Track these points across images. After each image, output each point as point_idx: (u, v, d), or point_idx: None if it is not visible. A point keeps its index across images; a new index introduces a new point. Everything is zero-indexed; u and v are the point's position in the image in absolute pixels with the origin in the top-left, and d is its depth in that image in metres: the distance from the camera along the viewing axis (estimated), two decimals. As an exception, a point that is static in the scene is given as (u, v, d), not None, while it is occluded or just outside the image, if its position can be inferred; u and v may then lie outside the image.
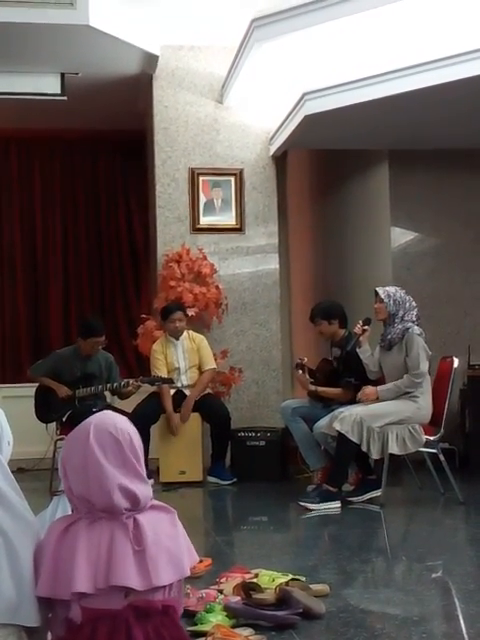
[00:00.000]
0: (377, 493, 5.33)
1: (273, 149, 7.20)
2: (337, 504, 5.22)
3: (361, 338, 5.58)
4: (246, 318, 7.20)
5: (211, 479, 6.35)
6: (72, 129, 8.47)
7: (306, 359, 5.93)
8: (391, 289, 5.52)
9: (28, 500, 2.12)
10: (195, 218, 7.16)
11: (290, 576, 3.40)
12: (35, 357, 7.49)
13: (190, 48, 7.19)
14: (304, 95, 6.02)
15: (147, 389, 6.41)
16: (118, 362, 6.60)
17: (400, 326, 5.38)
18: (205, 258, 6.98)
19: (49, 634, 2.12)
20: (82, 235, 8.87)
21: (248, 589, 3.20)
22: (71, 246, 8.83)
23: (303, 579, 3.42)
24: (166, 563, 2.04)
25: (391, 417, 5.27)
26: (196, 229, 7.16)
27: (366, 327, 5.59)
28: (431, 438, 5.33)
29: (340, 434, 5.25)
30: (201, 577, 3.54)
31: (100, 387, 6.15)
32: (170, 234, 7.15)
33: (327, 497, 5.23)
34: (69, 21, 5.92)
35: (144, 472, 2.09)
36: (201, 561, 3.56)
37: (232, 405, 6.82)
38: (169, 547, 2.06)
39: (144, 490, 2.06)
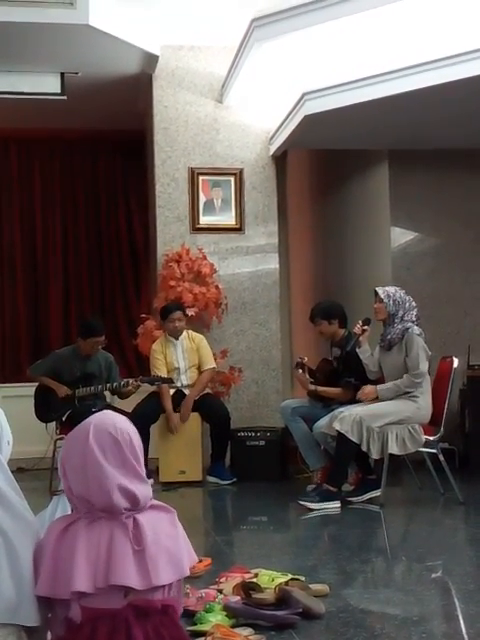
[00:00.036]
0: (377, 493, 5.33)
1: (273, 149, 7.20)
2: (337, 504, 5.22)
3: (361, 338, 5.58)
4: (246, 318, 7.20)
5: (211, 479, 6.35)
6: (72, 129, 8.47)
7: (306, 358, 5.93)
8: (391, 289, 5.52)
9: (28, 500, 2.12)
10: (195, 218, 7.16)
11: (290, 576, 3.40)
12: (35, 357, 7.49)
13: (190, 48, 7.19)
14: (304, 95, 6.02)
15: (147, 389, 6.41)
16: (118, 362, 6.60)
17: (400, 326, 5.38)
18: (205, 258, 6.98)
19: (49, 634, 2.12)
20: (82, 235, 8.87)
21: (248, 589, 3.20)
22: (71, 246, 8.82)
23: (303, 579, 3.41)
24: (166, 563, 2.04)
25: (391, 417, 5.27)
26: (196, 229, 7.16)
27: (366, 327, 5.59)
28: (431, 438, 5.33)
29: (340, 434, 5.25)
30: (201, 577, 3.54)
31: (100, 387, 6.15)
32: (170, 234, 7.15)
33: (327, 497, 5.23)
34: (69, 21, 5.92)
35: (144, 472, 2.09)
36: (201, 561, 3.56)
37: (232, 405, 6.82)
38: (169, 547, 2.06)
39: (143, 490, 2.06)
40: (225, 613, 2.99)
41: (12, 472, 2.11)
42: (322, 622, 3.01)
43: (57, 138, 8.72)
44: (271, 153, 7.25)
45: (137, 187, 8.63)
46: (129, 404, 6.15)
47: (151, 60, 6.96)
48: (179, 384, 6.45)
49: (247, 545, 4.68)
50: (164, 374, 6.34)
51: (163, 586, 2.04)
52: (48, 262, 8.75)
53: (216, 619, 2.91)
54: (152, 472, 5.69)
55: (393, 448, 5.23)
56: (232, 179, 7.20)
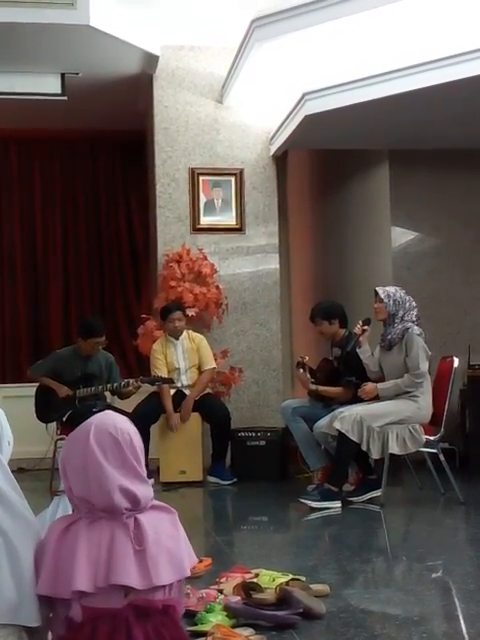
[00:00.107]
0: (377, 493, 5.32)
1: (273, 149, 7.20)
2: (338, 504, 5.22)
3: (361, 338, 5.58)
4: (246, 318, 7.20)
5: (211, 479, 6.35)
6: (72, 129, 8.47)
7: (307, 358, 5.92)
8: (391, 289, 5.52)
9: (28, 500, 2.12)
10: (195, 218, 7.16)
11: (290, 576, 3.40)
12: (35, 357, 7.49)
13: (190, 48, 7.20)
14: (304, 95, 6.02)
15: (147, 389, 6.42)
16: (118, 362, 6.60)
17: (400, 326, 5.38)
18: (205, 258, 6.98)
19: (49, 634, 2.12)
20: (82, 235, 8.87)
21: (248, 589, 3.20)
22: (71, 246, 8.83)
23: (303, 579, 3.41)
24: (166, 563, 2.04)
25: (391, 417, 5.27)
26: (196, 229, 7.16)
27: (366, 327, 5.59)
28: (431, 438, 5.33)
29: (340, 434, 5.25)
30: (201, 577, 3.54)
31: (100, 387, 6.15)
32: (170, 234, 7.15)
33: (328, 496, 5.23)
34: (69, 21, 5.92)
35: (144, 472, 2.09)
36: (201, 561, 3.56)
37: (232, 405, 6.82)
38: (169, 547, 2.06)
39: (144, 490, 2.06)
40: (225, 613, 2.99)
41: (13, 472, 2.11)
42: (323, 622, 3.01)
43: (57, 138, 8.73)
44: (271, 153, 7.25)
45: (137, 187, 8.64)
46: (129, 404, 6.15)
47: (151, 60, 6.96)
48: (179, 384, 6.45)
49: (247, 545, 4.68)
50: (164, 374, 6.34)
51: (164, 586, 2.04)
52: (48, 262, 8.76)
53: (216, 619, 2.91)
54: (152, 472, 5.68)
55: (393, 448, 5.23)
56: (232, 179, 7.20)
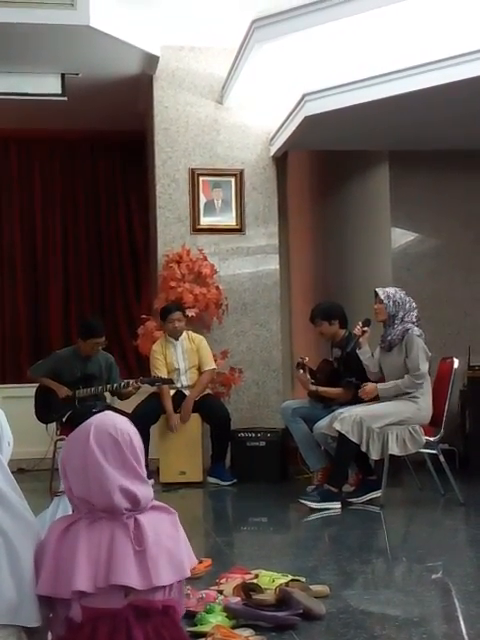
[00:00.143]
0: (377, 494, 5.32)
1: (273, 150, 7.20)
2: (337, 505, 5.22)
3: (361, 339, 5.58)
4: (246, 319, 7.20)
5: (211, 480, 6.35)
6: (72, 129, 8.47)
7: (307, 358, 5.92)
8: (391, 290, 5.52)
9: (28, 500, 2.12)
10: (195, 218, 7.16)
11: (290, 577, 3.40)
12: (35, 357, 7.49)
13: (190, 49, 7.20)
14: (304, 96, 6.03)
15: (147, 390, 6.41)
16: (118, 363, 6.60)
17: (400, 327, 5.38)
18: (205, 259, 6.98)
19: (49, 634, 2.12)
20: (82, 235, 8.87)
21: (248, 590, 3.20)
22: (71, 246, 8.83)
23: (303, 580, 3.41)
24: (166, 563, 2.04)
25: (391, 418, 5.26)
26: (196, 230, 7.16)
27: (366, 328, 5.59)
28: (431, 439, 5.33)
29: (340, 434, 5.25)
30: (201, 578, 3.54)
31: (100, 388, 6.15)
32: (170, 234, 7.15)
33: (328, 497, 5.23)
34: (69, 21, 5.92)
35: (144, 473, 2.09)
36: (201, 562, 3.56)
37: (232, 406, 6.82)
38: (170, 548, 2.06)
39: (144, 491, 2.06)
40: (225, 614, 2.99)
41: (12, 473, 2.11)
42: (322, 623, 3.01)
43: (57, 138, 8.73)
44: (271, 154, 7.26)
45: (137, 187, 8.64)
46: (129, 405, 6.15)
47: (152, 61, 6.96)
48: (179, 385, 6.45)
49: (247, 546, 4.68)
50: (164, 375, 6.34)
51: (164, 587, 2.04)
52: (48, 262, 8.75)
53: (216, 620, 2.91)
54: (152, 473, 5.68)
55: (393, 449, 5.23)
56: (232, 180, 7.20)
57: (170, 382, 6.30)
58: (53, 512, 2.52)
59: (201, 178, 7.17)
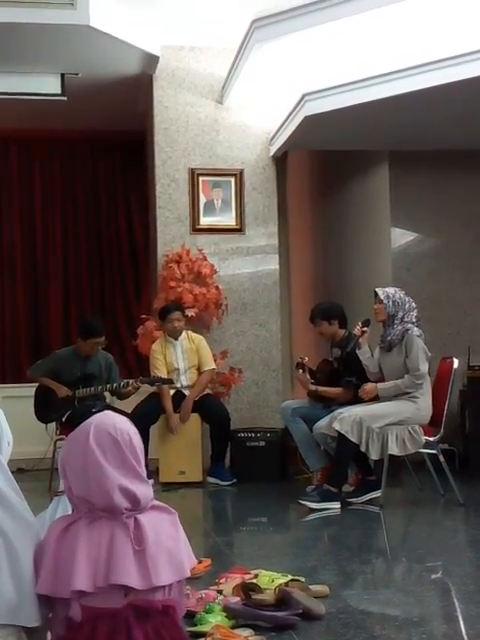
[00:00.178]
0: (377, 494, 5.32)
1: (273, 150, 7.20)
2: (337, 505, 5.22)
3: (360, 339, 5.58)
4: (246, 319, 7.20)
5: (211, 480, 6.35)
6: (72, 129, 8.47)
7: (307, 358, 5.92)
8: (390, 290, 5.52)
9: (28, 500, 2.12)
10: (195, 218, 7.16)
11: (290, 577, 3.40)
12: (35, 357, 7.49)
13: (190, 49, 7.20)
14: (304, 96, 6.02)
15: (147, 389, 6.41)
16: (118, 362, 6.61)
17: (400, 327, 5.38)
18: (205, 259, 6.98)
19: (49, 634, 2.12)
20: (82, 235, 8.87)
21: (248, 590, 3.20)
22: (71, 246, 8.83)
23: (303, 580, 3.41)
24: (166, 563, 2.04)
25: (391, 418, 5.26)
26: (196, 229, 7.16)
27: (365, 328, 5.59)
28: (431, 439, 5.33)
29: (340, 434, 5.25)
30: (200, 578, 3.54)
31: (100, 387, 6.15)
32: (170, 234, 7.15)
33: (327, 497, 5.23)
34: (69, 21, 5.92)
35: (144, 472, 2.09)
36: (200, 562, 3.56)
37: (232, 406, 6.82)
38: (169, 548, 2.06)
39: (144, 490, 2.06)
40: (225, 614, 2.99)
41: (12, 473, 2.11)
42: (322, 623, 3.01)
43: (57, 138, 8.73)
44: (271, 154, 7.25)
45: (137, 187, 8.63)
46: (129, 405, 6.15)
47: (151, 61, 6.96)
48: (179, 385, 6.45)
49: (247, 546, 4.68)
50: (164, 375, 6.34)
51: (163, 587, 2.04)
52: (48, 262, 8.75)
53: (216, 620, 2.91)
54: (152, 473, 5.68)
55: (393, 449, 5.23)
56: (232, 180, 7.20)
57: (170, 382, 6.30)
58: (53, 512, 2.52)
59: (201, 178, 7.17)
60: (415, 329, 5.36)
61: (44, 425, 6.22)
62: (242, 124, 7.24)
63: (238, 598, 3.15)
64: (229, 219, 7.21)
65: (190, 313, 6.64)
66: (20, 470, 6.60)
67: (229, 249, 7.22)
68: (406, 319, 5.39)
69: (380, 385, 5.43)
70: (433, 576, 3.86)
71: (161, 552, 2.03)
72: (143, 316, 7.12)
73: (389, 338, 5.41)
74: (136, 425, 2.15)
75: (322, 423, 5.50)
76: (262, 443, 6.43)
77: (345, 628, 2.93)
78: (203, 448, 6.41)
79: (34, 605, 2.01)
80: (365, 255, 7.72)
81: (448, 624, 3.14)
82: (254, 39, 5.70)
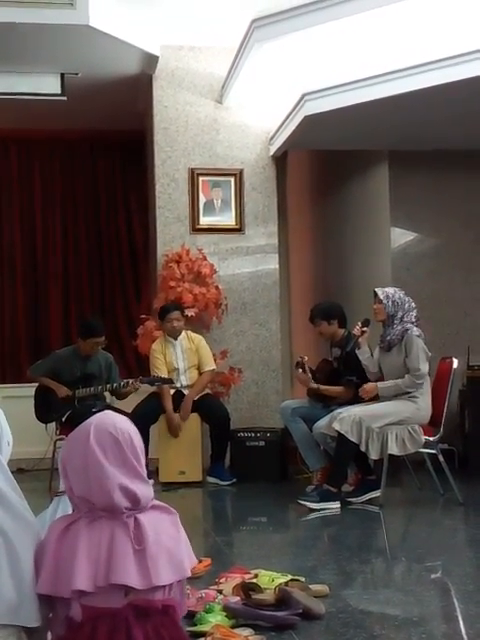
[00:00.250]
0: (376, 494, 5.33)
1: (273, 149, 7.20)
2: (337, 504, 5.22)
3: (360, 339, 5.58)
4: (246, 318, 7.20)
5: (211, 479, 6.35)
6: (72, 129, 8.47)
7: (307, 358, 5.92)
8: (390, 290, 5.52)
9: (28, 500, 2.12)
10: (195, 218, 7.16)
11: (289, 576, 3.40)
12: (35, 357, 7.49)
13: (190, 48, 7.20)
14: (304, 96, 6.03)
15: (147, 389, 6.41)
16: (118, 362, 6.61)
17: (399, 327, 5.38)
18: (205, 258, 6.98)
19: (49, 634, 2.12)
20: (82, 235, 8.87)
21: (247, 589, 3.20)
22: (71, 246, 8.83)
23: (302, 579, 3.42)
24: (166, 563, 2.04)
25: (390, 417, 5.27)
26: (196, 229, 7.16)
27: (365, 328, 5.59)
28: (430, 439, 5.33)
29: (339, 434, 5.25)
30: (200, 577, 3.54)
31: (100, 387, 6.16)
32: (170, 234, 7.15)
33: (327, 497, 5.23)
34: (69, 21, 5.92)
35: (144, 472, 2.09)
36: (200, 561, 3.56)
37: (232, 405, 6.83)
38: (170, 547, 2.06)
39: (145, 490, 2.06)
40: (225, 613, 2.99)
41: (12, 473, 2.11)
42: (322, 623, 3.01)
43: (57, 138, 8.73)
44: (271, 154, 7.25)
45: (137, 187, 8.63)
46: (129, 404, 6.15)
47: (151, 60, 6.96)
48: (179, 384, 6.45)
49: (247, 546, 4.69)
50: (164, 374, 6.34)
51: (163, 586, 2.04)
52: (48, 262, 8.75)
53: (216, 619, 2.91)
54: (152, 473, 5.68)
55: (393, 449, 5.24)
56: (232, 180, 7.20)
57: (170, 382, 6.30)
58: (53, 512, 2.52)
59: (201, 178, 7.17)
60: (415, 329, 5.36)
61: (44, 425, 6.23)
62: (242, 124, 7.24)
63: (238, 598, 3.15)
64: (229, 219, 7.21)
65: (190, 313, 6.64)
66: (20, 470, 6.60)
67: (229, 249, 7.22)
68: (406, 319, 5.39)
69: (380, 384, 5.44)
70: (433, 576, 3.86)
71: (161, 552, 2.04)
72: (143, 316, 7.12)
73: (389, 338, 5.41)
74: (136, 425, 2.15)
75: (322, 423, 5.50)
76: (262, 443, 6.43)
77: (345, 628, 2.93)
78: (203, 448, 6.41)
79: (34, 605, 2.01)
80: (365, 255, 7.72)
81: (448, 624, 3.14)
82: (254, 39, 5.70)
